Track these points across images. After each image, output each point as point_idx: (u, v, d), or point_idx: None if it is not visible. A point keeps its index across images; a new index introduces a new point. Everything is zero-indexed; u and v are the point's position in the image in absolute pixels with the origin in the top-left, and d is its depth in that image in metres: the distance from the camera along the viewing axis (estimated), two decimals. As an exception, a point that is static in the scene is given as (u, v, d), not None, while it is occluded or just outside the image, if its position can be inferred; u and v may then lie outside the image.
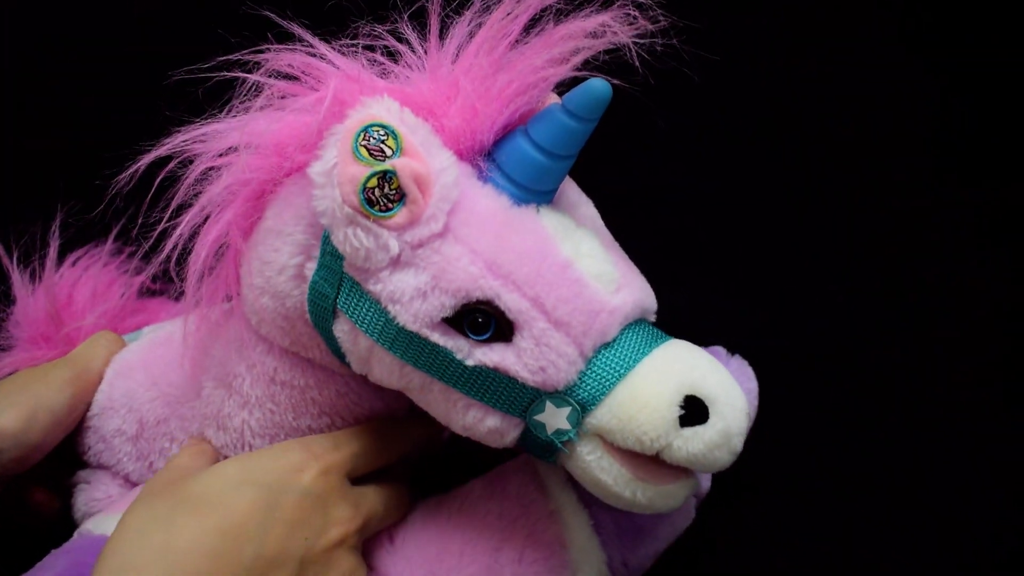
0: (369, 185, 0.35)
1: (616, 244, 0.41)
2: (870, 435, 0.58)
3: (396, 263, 0.37)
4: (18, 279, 0.53)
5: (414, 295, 0.37)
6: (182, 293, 0.41)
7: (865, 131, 0.65)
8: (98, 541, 0.41)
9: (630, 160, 0.65)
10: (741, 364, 0.51)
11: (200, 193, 0.40)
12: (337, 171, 0.35)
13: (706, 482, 0.46)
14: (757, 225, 0.64)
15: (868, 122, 0.65)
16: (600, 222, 0.41)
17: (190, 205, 0.40)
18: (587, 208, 0.41)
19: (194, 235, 0.40)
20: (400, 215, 0.36)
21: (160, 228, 0.40)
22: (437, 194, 0.36)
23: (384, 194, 0.36)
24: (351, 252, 0.36)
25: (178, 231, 0.39)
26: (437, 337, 0.37)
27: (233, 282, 0.42)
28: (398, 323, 0.37)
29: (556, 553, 0.43)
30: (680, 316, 0.45)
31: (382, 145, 0.36)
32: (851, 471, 0.57)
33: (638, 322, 0.39)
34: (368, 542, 0.43)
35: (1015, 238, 0.62)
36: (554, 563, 0.43)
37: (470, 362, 0.37)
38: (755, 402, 0.49)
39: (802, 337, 0.61)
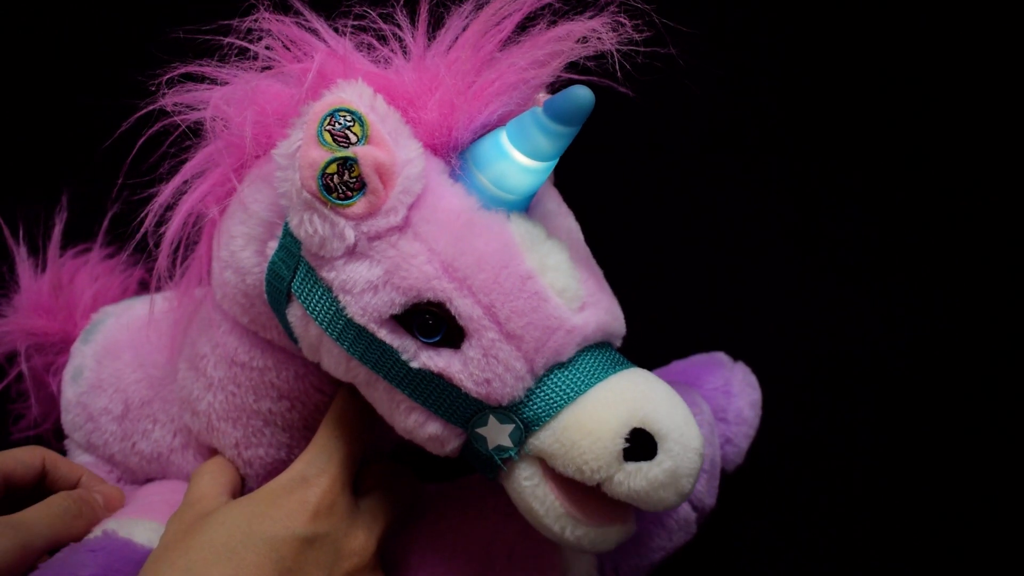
0: (328, 171, 0.34)
1: (591, 261, 0.39)
2: (875, 448, 0.57)
3: (351, 253, 0.35)
4: (23, 250, 0.55)
5: (365, 287, 0.35)
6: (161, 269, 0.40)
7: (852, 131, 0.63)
8: (126, 544, 0.41)
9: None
10: (745, 372, 0.49)
11: (182, 162, 0.39)
12: (299, 154, 0.35)
13: (711, 499, 0.45)
14: (761, 230, 0.63)
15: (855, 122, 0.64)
16: (578, 235, 0.39)
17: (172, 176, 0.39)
18: (564, 220, 0.39)
19: (174, 206, 0.39)
20: (359, 204, 0.35)
21: (141, 196, 0.40)
22: (399, 185, 0.35)
23: (343, 181, 0.34)
24: (306, 238, 0.36)
25: (158, 201, 0.39)
26: (384, 334, 0.36)
27: (206, 256, 0.42)
28: (347, 314, 0.36)
29: (547, 552, 0.43)
30: (676, 322, 0.43)
31: (347, 131, 0.34)
32: (854, 486, 0.56)
33: (599, 345, 0.37)
34: None
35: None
36: (543, 561, 0.43)
37: (415, 364, 0.36)
38: (759, 411, 0.47)
39: (804, 344, 0.60)
